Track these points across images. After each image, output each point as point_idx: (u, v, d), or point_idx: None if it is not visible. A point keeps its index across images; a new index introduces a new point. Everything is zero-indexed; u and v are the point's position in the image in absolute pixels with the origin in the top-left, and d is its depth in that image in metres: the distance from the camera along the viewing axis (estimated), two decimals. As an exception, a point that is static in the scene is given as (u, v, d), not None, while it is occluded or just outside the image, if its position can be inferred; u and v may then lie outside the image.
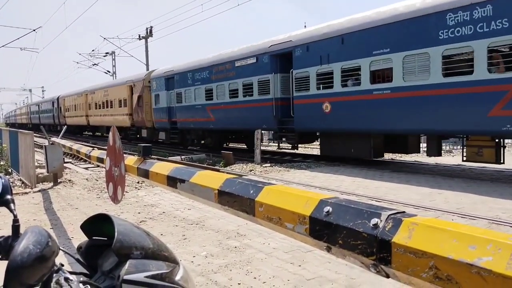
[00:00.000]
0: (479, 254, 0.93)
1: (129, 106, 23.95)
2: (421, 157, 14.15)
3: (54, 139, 9.34)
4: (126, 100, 24.33)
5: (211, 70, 16.62)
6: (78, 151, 6.84)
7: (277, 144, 18.70)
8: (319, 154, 15.70)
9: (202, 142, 19.06)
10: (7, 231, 1.10)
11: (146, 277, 1.07)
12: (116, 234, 1.08)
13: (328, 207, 1.37)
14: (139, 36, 35.44)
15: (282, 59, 13.33)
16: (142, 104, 22.12)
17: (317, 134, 13.70)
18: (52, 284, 1.00)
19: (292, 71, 12.70)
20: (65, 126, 12.01)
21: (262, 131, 20.90)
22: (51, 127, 42.93)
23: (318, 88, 11.97)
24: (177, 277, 1.16)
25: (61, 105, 39.17)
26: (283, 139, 14.41)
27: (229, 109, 15.72)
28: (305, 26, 15.91)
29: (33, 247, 0.92)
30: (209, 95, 16.73)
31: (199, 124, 17.76)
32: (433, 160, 12.69)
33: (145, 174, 3.18)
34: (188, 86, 18.13)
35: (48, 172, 9.05)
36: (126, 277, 1.04)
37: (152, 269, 1.09)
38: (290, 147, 15.54)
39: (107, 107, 27.78)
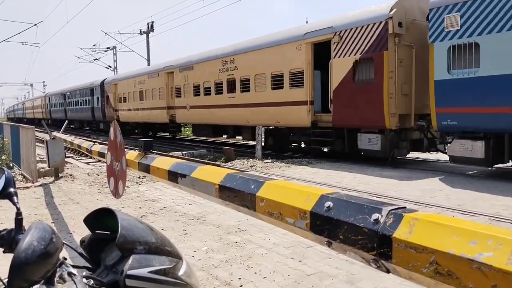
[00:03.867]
0: (480, 250, 0.93)
1: (309, 87, 11.98)
2: (421, 154, 14.13)
3: (55, 133, 9.35)
4: (301, 73, 12.12)
5: None
6: (79, 146, 6.84)
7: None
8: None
9: None
10: (8, 225, 1.10)
11: (150, 272, 1.07)
12: (119, 229, 1.08)
13: (329, 202, 1.37)
14: (140, 31, 35.39)
15: None
16: (379, 79, 10.09)
17: None
18: (56, 279, 1.00)
19: None
20: (66, 121, 11.94)
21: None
22: (88, 124, 33.06)
23: None
24: (180, 272, 1.17)
25: (109, 93, 27.19)
26: None
27: None
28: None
29: (37, 244, 0.93)
30: None
31: None
32: (434, 156, 12.69)
33: (146, 169, 3.19)
34: None
35: (49, 167, 9.08)
36: (129, 272, 1.04)
37: (155, 264, 1.10)
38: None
39: (231, 91, 15.15)
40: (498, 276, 0.88)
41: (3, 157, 11.55)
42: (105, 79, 28.62)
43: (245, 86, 14.49)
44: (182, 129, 25.10)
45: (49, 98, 44.38)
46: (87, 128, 33.45)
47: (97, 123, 30.31)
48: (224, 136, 18.93)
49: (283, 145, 14.04)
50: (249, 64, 14.25)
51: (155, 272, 1.08)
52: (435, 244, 1.01)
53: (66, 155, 12.26)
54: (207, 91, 16.64)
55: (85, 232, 1.31)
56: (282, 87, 12.91)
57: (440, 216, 1.15)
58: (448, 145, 9.64)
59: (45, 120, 43.69)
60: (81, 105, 32.64)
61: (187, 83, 18.03)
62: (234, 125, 15.88)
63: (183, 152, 14.70)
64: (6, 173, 1.19)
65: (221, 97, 15.76)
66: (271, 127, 14.50)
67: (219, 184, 2.03)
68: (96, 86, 29.39)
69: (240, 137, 17.56)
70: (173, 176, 2.61)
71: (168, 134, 24.27)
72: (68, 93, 36.57)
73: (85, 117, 31.80)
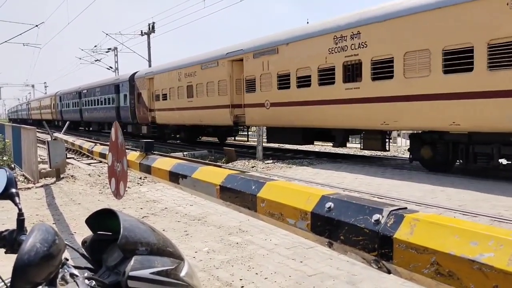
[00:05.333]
0: (481, 250, 0.93)
1: None
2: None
3: (56, 134, 9.36)
4: None
5: None
6: (80, 147, 6.85)
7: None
8: (320, 150, 15.62)
9: None
10: (10, 226, 1.11)
11: (152, 273, 1.08)
12: (121, 230, 1.08)
13: (330, 203, 1.37)
14: (142, 32, 35.44)
15: None
16: None
17: None
18: (58, 280, 1.00)
19: None
20: (68, 122, 11.94)
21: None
22: (110, 127, 25.03)
23: None
24: (182, 273, 1.17)
25: (141, 90, 22.30)
26: None
27: None
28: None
29: (40, 246, 0.93)
30: None
31: None
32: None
33: (147, 169, 3.19)
34: None
35: (50, 168, 9.09)
36: (131, 273, 1.04)
37: (157, 266, 1.10)
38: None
39: (352, 79, 10.78)
40: (499, 277, 0.88)
41: (4, 158, 11.57)
42: (135, 73, 23.55)
43: (382, 70, 9.93)
44: (246, 132, 21.60)
45: (60, 97, 38.92)
46: (109, 131, 30.50)
47: (124, 125, 24.41)
48: (328, 145, 13.86)
49: (452, 159, 9.46)
50: (391, 37, 9.63)
51: (157, 273, 1.09)
52: (436, 245, 1.01)
53: (67, 156, 12.28)
54: (304, 82, 12.08)
55: (86, 233, 1.31)
56: (470, 69, 8.22)
57: (441, 216, 1.15)
58: None
59: (55, 122, 39.50)
60: (102, 104, 27.76)
61: (266, 73, 13.39)
62: (347, 128, 11.66)
63: (184, 153, 14.71)
64: (7, 173, 1.19)
65: (331, 88, 11.22)
66: (420, 131, 10.20)
67: (220, 185, 2.04)
68: (123, 81, 24.46)
69: (355, 145, 12.89)
70: (174, 177, 2.61)
71: (217, 139, 20.66)
72: (85, 91, 31.22)
73: (107, 118, 26.97)
